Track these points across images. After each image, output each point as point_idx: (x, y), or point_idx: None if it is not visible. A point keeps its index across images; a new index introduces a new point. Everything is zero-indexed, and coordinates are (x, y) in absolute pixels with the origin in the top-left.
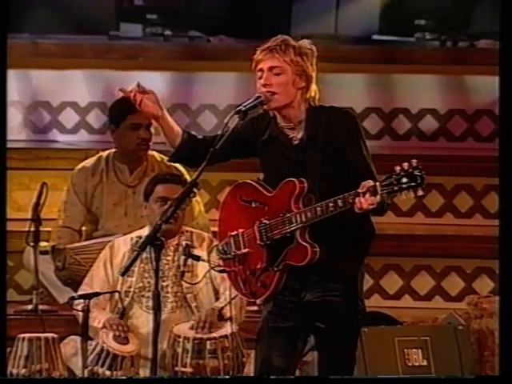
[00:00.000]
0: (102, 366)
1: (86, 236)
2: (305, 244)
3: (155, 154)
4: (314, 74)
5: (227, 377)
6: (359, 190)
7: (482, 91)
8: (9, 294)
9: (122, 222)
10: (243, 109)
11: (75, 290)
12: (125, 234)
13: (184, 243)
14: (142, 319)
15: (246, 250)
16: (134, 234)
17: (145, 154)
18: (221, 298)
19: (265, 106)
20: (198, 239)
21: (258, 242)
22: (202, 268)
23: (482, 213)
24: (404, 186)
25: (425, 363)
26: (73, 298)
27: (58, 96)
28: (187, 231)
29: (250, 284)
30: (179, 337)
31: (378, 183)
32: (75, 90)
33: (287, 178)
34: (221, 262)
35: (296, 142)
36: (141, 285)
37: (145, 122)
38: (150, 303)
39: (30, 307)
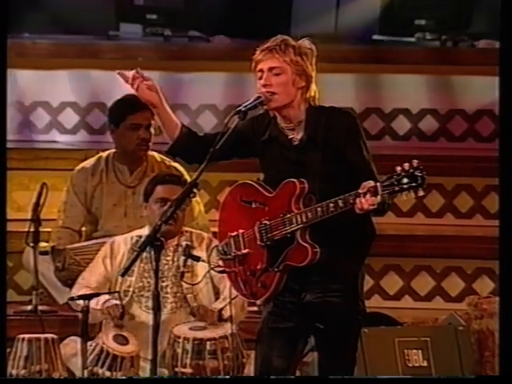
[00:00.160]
0: (102, 367)
1: (86, 236)
2: (305, 244)
3: (155, 154)
4: (313, 74)
5: (227, 377)
6: (360, 191)
7: (482, 91)
8: (8, 295)
9: (121, 222)
10: (243, 109)
11: None
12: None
13: (184, 244)
14: (142, 319)
15: (246, 250)
16: (135, 233)
17: (145, 154)
18: (221, 296)
19: (265, 106)
20: (198, 240)
21: (259, 242)
22: (201, 268)
23: (482, 213)
24: (405, 186)
25: (425, 364)
26: (72, 299)
27: (58, 96)
28: (187, 232)
29: (250, 285)
30: (179, 337)
31: (378, 184)
32: (75, 90)
33: (287, 178)
34: (221, 263)
35: (296, 143)
36: (140, 284)
37: (145, 123)
38: (150, 303)
39: (29, 308)
